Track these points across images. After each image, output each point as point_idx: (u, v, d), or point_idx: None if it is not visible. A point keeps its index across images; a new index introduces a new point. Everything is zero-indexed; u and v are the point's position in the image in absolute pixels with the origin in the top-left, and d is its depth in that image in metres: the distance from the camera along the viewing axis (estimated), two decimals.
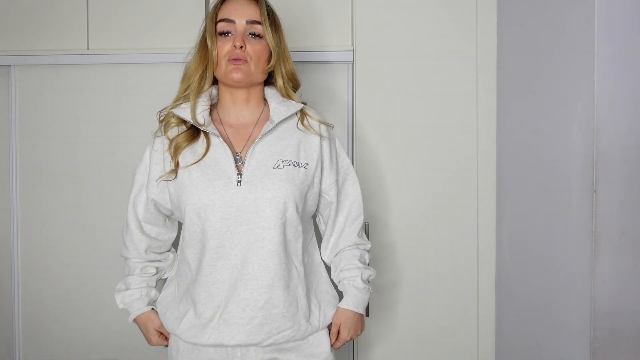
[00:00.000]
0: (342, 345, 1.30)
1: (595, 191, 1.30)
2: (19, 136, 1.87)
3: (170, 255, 1.40)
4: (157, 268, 1.36)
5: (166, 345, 1.36)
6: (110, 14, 1.84)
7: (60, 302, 1.87)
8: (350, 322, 1.28)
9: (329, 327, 1.30)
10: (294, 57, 1.82)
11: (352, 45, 1.81)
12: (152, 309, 1.34)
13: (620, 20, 1.28)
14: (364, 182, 1.78)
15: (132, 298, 1.33)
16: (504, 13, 1.74)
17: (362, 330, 1.33)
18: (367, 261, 1.35)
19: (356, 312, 1.29)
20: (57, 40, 1.85)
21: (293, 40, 1.83)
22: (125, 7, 1.84)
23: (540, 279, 1.55)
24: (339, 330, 1.30)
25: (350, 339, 1.30)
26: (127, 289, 1.34)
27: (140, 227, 1.32)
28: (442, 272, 1.80)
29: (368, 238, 1.76)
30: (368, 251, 1.36)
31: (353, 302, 1.29)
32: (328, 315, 1.29)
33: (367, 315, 1.80)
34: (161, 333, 1.33)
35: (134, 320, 1.35)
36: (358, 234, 1.35)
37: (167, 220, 1.36)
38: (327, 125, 1.32)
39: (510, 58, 1.70)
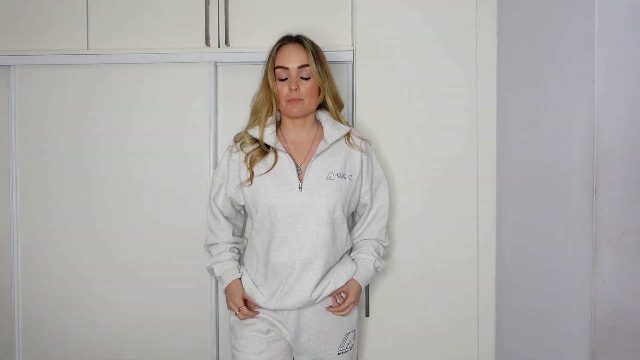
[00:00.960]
0: (343, 309, 1.54)
1: (595, 191, 1.30)
2: (19, 136, 1.87)
3: (244, 239, 1.72)
4: (238, 250, 1.65)
5: (244, 316, 1.55)
6: (110, 14, 1.84)
7: (60, 302, 1.87)
8: (357, 289, 1.58)
9: (332, 295, 1.56)
10: None
11: (352, 45, 1.81)
12: (239, 278, 1.59)
13: (620, 20, 1.28)
14: None
15: (227, 267, 1.60)
16: (504, 13, 1.73)
17: (358, 302, 1.61)
18: (381, 254, 1.67)
19: (360, 285, 1.60)
20: (57, 40, 1.85)
21: None
22: (125, 7, 1.84)
23: (540, 279, 1.55)
24: (342, 298, 1.57)
25: (352, 304, 1.56)
26: (221, 261, 1.60)
27: (225, 217, 1.64)
28: (442, 271, 1.80)
29: None
30: (385, 247, 1.68)
31: (361, 278, 1.60)
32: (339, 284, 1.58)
33: (368, 315, 1.80)
34: (245, 301, 1.56)
35: (226, 287, 1.59)
36: (380, 231, 1.66)
37: (238, 213, 1.69)
38: (367, 141, 1.65)
39: (510, 58, 1.70)
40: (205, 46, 1.83)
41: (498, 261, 1.78)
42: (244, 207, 1.64)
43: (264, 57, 1.62)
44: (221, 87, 1.88)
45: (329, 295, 1.56)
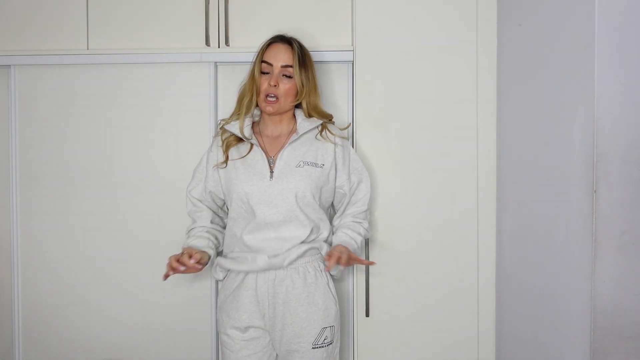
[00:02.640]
0: (334, 262, 1.49)
1: (595, 191, 1.30)
2: (19, 136, 1.87)
3: (223, 233, 1.71)
4: (216, 237, 1.68)
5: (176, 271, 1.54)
6: (110, 14, 1.84)
7: (60, 302, 1.87)
8: (343, 248, 1.57)
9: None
10: None
11: (352, 45, 1.81)
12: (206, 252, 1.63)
13: (620, 20, 1.28)
14: None
15: (200, 243, 1.64)
16: (504, 13, 1.73)
17: (350, 263, 1.57)
18: (362, 233, 1.66)
19: (344, 246, 1.60)
20: (57, 40, 1.85)
21: None
22: (125, 7, 1.84)
23: (540, 278, 1.55)
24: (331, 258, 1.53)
25: (342, 262, 1.52)
26: (193, 236, 1.66)
27: (202, 204, 1.68)
28: (442, 271, 1.80)
29: (368, 238, 1.76)
30: (365, 228, 1.67)
31: (344, 240, 1.62)
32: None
33: (368, 315, 1.80)
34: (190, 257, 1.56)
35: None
36: (358, 214, 1.67)
37: (220, 209, 1.72)
38: (343, 138, 1.69)
39: (510, 58, 1.70)
40: (205, 46, 1.83)
41: (498, 261, 1.78)
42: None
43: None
44: (221, 87, 1.88)
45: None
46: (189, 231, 1.69)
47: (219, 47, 1.83)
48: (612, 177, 1.29)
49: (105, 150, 1.86)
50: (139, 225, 1.86)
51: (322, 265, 1.60)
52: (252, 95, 1.64)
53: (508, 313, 1.74)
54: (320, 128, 1.67)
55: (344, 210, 1.69)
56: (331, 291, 1.61)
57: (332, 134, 1.67)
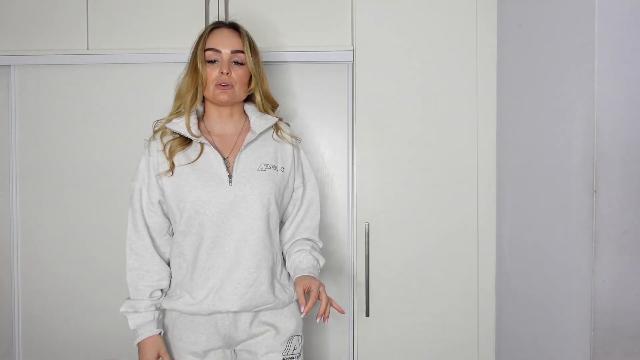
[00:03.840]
0: (312, 305, 1.30)
1: (595, 191, 1.30)
2: (19, 136, 1.87)
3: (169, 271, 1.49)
4: (162, 291, 1.47)
5: None
6: (110, 14, 1.84)
7: (60, 302, 1.87)
8: (313, 279, 1.39)
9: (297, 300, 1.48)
10: (295, 57, 1.82)
11: (352, 45, 1.81)
12: (160, 332, 1.44)
13: (620, 20, 1.28)
14: (363, 182, 1.79)
15: (145, 319, 1.43)
16: (504, 13, 1.73)
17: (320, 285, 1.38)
18: (317, 256, 1.50)
19: (312, 275, 1.43)
20: (57, 40, 1.85)
21: (293, 40, 1.83)
22: (125, 7, 1.84)
23: (540, 278, 1.55)
24: (308, 293, 1.36)
25: (320, 290, 1.34)
26: (136, 311, 1.43)
27: (151, 236, 1.45)
28: (442, 271, 1.80)
29: (368, 238, 1.76)
30: (318, 249, 1.54)
31: (309, 270, 1.44)
32: (293, 290, 1.49)
33: (368, 315, 1.80)
34: (159, 356, 1.43)
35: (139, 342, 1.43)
36: (313, 230, 1.55)
37: (167, 232, 1.49)
38: (296, 138, 1.56)
39: (510, 58, 1.70)
40: None
41: (498, 261, 1.78)
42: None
43: (264, 57, 1.62)
44: None
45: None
46: (132, 271, 1.43)
47: None
48: (612, 177, 1.29)
49: (105, 150, 1.86)
50: None
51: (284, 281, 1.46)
52: (195, 90, 1.44)
53: (508, 313, 1.74)
54: (274, 128, 1.52)
55: (299, 222, 1.52)
56: (296, 303, 1.48)
57: (285, 132, 1.52)
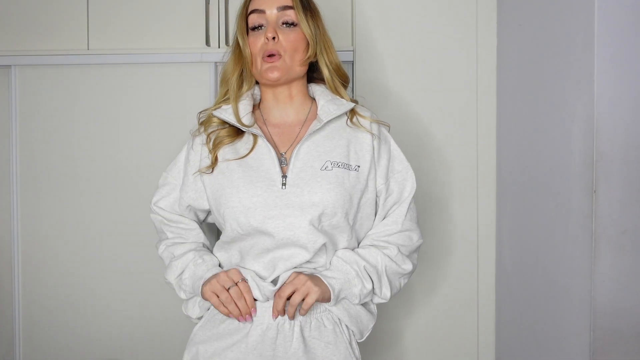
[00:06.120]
0: (282, 306, 1.07)
1: (595, 191, 1.30)
2: (19, 136, 1.87)
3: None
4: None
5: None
6: (110, 14, 1.84)
7: (61, 302, 1.87)
8: (303, 278, 1.07)
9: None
10: None
11: (352, 45, 1.81)
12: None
13: (620, 20, 1.28)
14: None
15: (205, 266, 1.13)
16: (504, 13, 1.73)
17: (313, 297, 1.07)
18: (386, 262, 1.14)
19: (305, 276, 1.07)
20: (57, 40, 1.85)
21: None
22: (125, 7, 1.85)
23: (540, 278, 1.55)
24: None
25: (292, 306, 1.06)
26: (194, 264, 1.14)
27: (180, 215, 1.21)
28: (442, 270, 1.80)
29: None
30: (393, 258, 1.14)
31: (346, 261, 1.10)
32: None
33: None
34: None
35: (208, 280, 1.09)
36: (401, 232, 1.18)
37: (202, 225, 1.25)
38: (382, 123, 1.20)
39: (510, 58, 1.70)
40: (206, 46, 1.83)
41: (498, 261, 1.78)
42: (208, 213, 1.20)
43: None
44: None
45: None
46: (168, 247, 1.19)
47: (219, 47, 1.83)
48: (612, 177, 1.29)
49: (105, 150, 1.86)
50: (140, 226, 1.86)
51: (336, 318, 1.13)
52: (241, 69, 1.16)
53: (508, 313, 1.74)
54: (349, 113, 1.18)
55: (381, 218, 1.20)
56: (354, 354, 1.17)
57: (365, 118, 1.18)
